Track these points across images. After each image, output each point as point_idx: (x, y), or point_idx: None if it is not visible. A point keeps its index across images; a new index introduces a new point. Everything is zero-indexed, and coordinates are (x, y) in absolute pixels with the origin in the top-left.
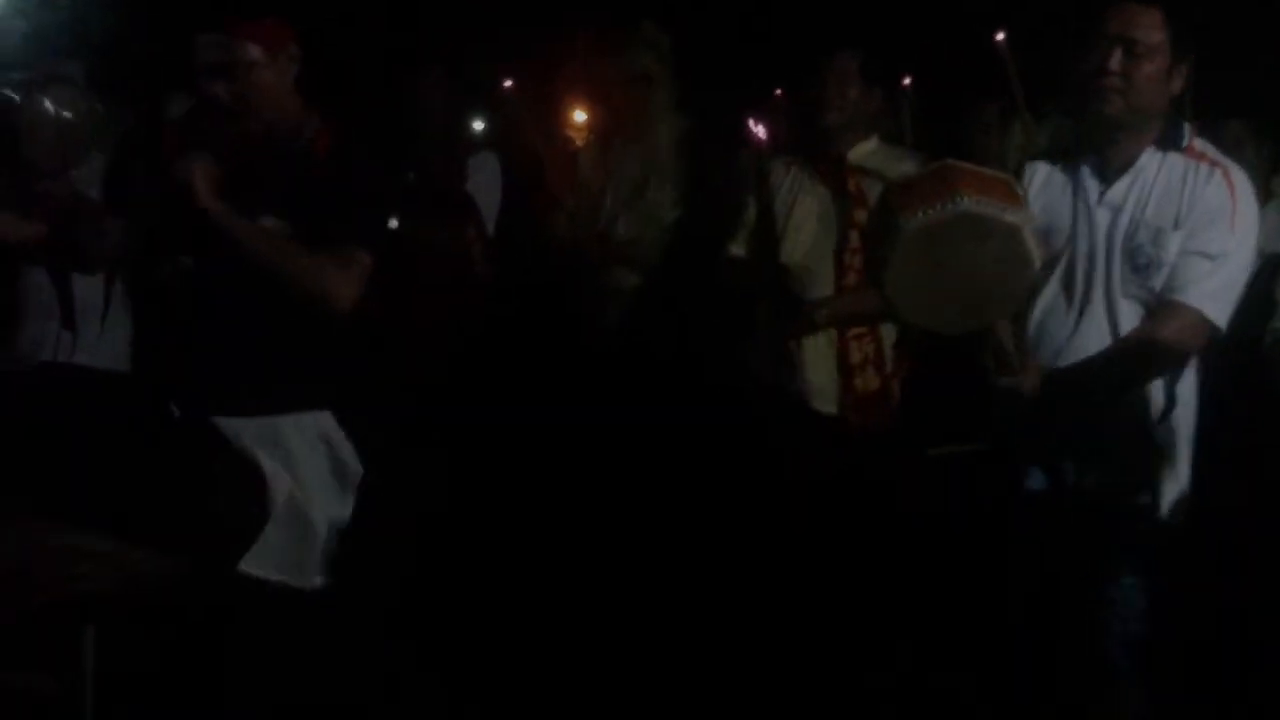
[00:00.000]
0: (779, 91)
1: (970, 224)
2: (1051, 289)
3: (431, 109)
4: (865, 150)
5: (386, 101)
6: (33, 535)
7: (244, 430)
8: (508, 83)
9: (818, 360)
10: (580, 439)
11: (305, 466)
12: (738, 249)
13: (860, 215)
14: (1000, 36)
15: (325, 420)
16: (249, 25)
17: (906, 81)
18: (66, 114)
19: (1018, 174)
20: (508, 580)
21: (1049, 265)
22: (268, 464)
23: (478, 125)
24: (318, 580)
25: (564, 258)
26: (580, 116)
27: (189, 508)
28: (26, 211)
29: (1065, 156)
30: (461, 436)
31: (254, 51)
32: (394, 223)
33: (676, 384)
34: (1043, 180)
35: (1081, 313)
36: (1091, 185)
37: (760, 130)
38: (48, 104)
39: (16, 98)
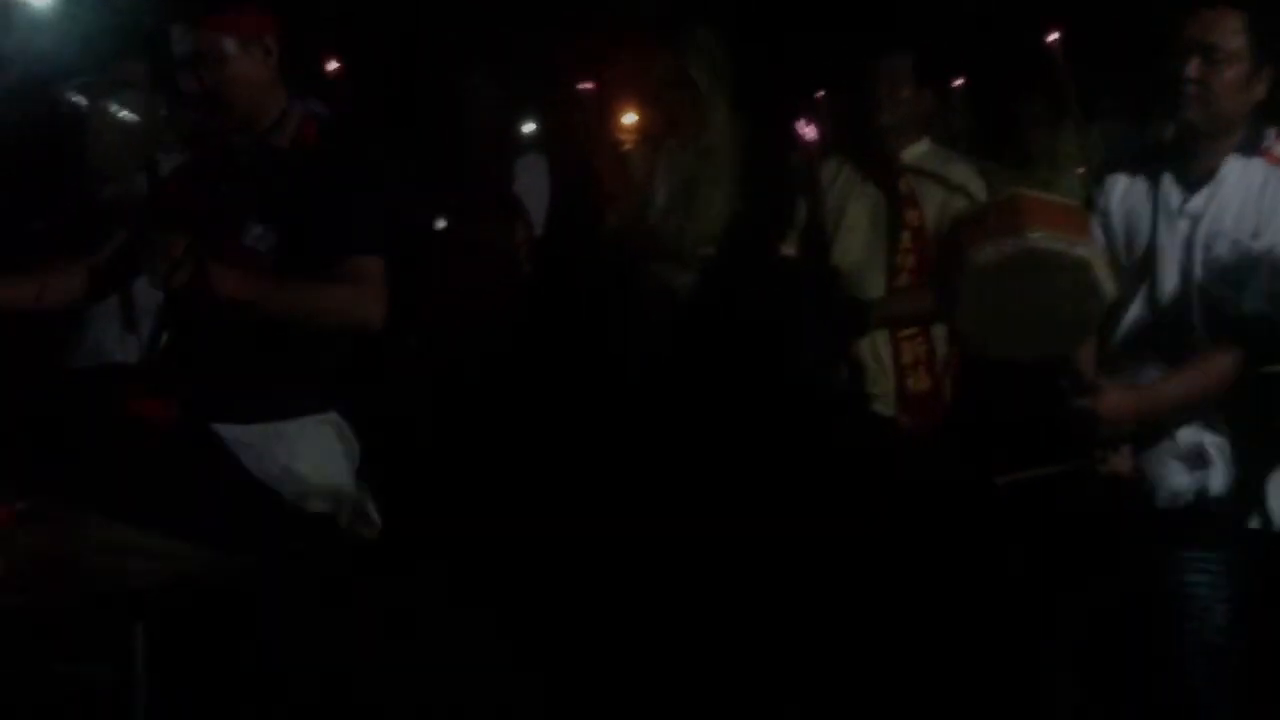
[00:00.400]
0: (820, 94)
1: (1039, 258)
2: (1137, 304)
3: (479, 109)
4: (917, 151)
5: (434, 101)
6: (83, 530)
7: (244, 437)
8: (584, 85)
9: (874, 361)
10: (627, 440)
11: (313, 468)
12: (789, 250)
13: (912, 216)
14: (1053, 38)
15: (332, 420)
16: (221, 15)
17: (958, 83)
18: (131, 116)
19: (1097, 177)
20: (548, 572)
21: (1136, 278)
22: (270, 470)
23: (528, 127)
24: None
25: (614, 258)
26: (630, 118)
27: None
28: (93, 215)
29: (1146, 165)
30: (506, 435)
31: (227, 42)
32: (441, 223)
33: (727, 383)
34: (1123, 191)
35: (1164, 327)
36: (1173, 195)
37: (810, 131)
38: (113, 107)
39: (83, 101)
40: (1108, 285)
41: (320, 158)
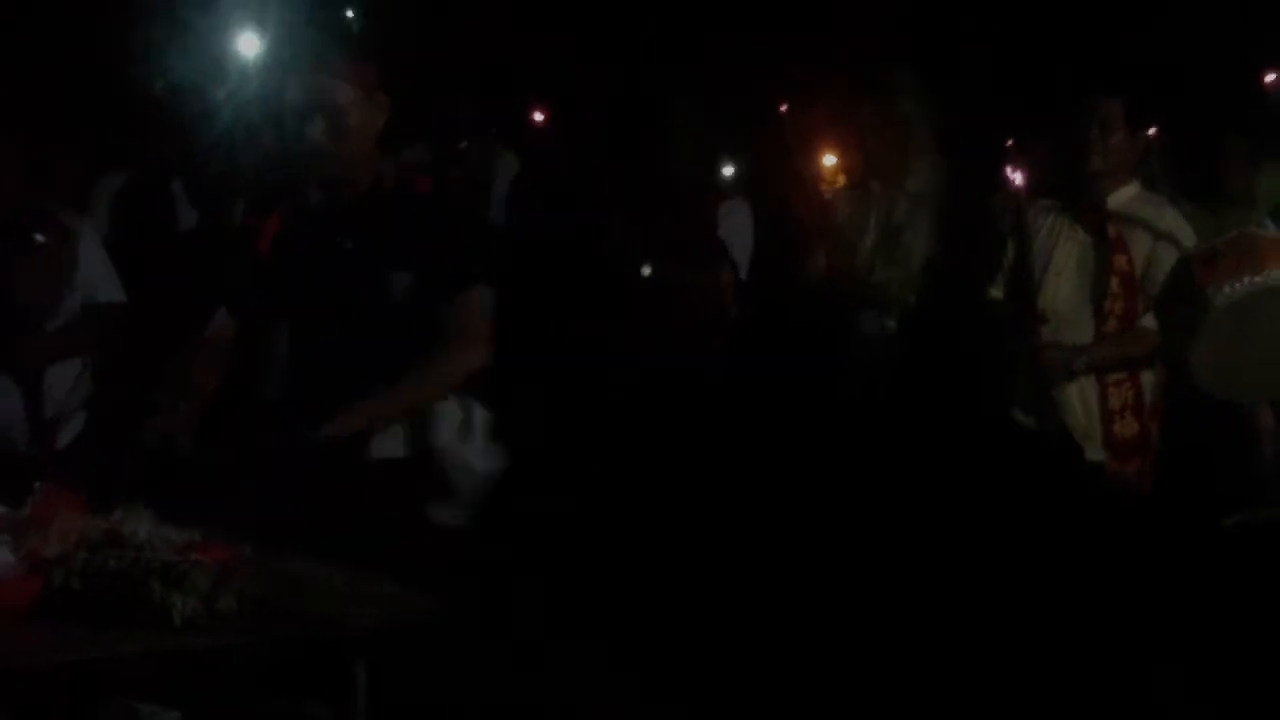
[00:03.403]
0: (1010, 142)
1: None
2: None
3: (683, 153)
4: (1126, 196)
5: (639, 147)
6: (306, 573)
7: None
8: (788, 129)
9: (1081, 406)
10: (832, 483)
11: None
12: (996, 293)
13: (1120, 262)
14: (1271, 78)
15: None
16: (345, 67)
17: (1152, 131)
18: None
19: (1274, 216)
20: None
21: None
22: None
23: (727, 171)
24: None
25: (819, 300)
26: (830, 160)
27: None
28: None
29: None
30: (706, 475)
31: (349, 93)
32: (647, 269)
33: (931, 427)
34: None
35: None
36: None
37: (1017, 176)
38: None
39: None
40: None
41: (440, 209)
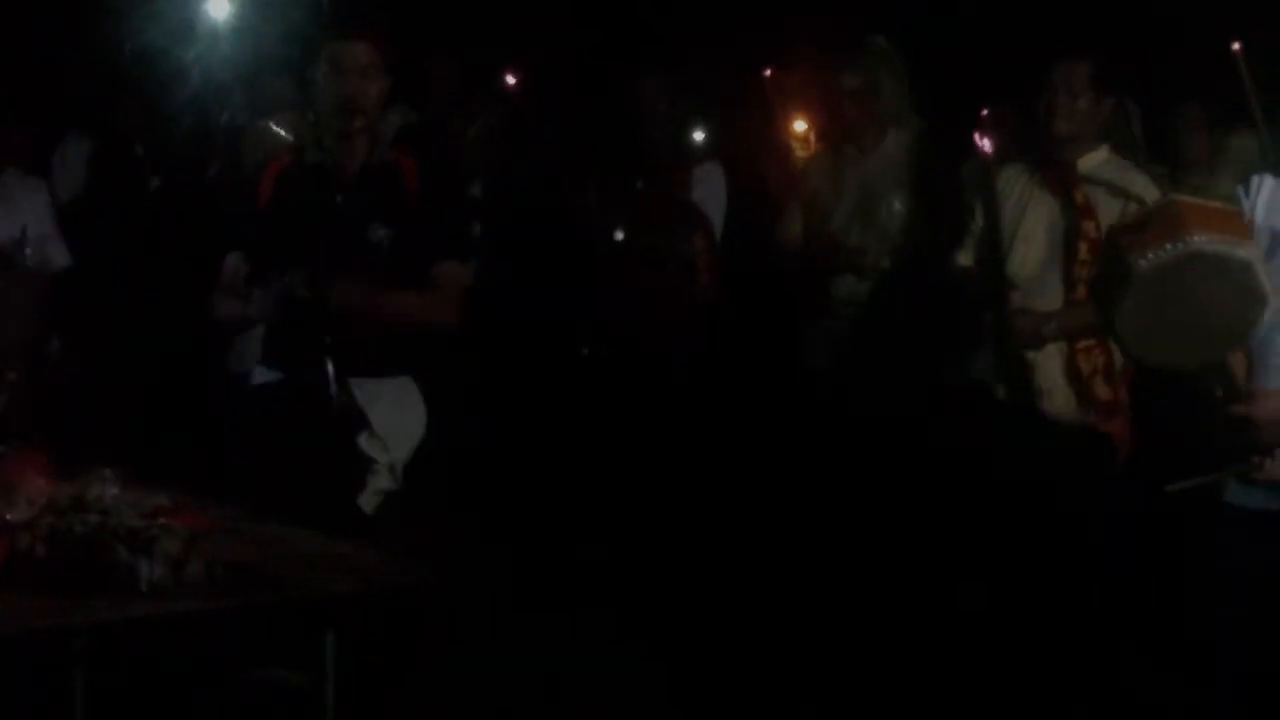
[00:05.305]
0: (985, 112)
1: (1202, 263)
2: None
3: (656, 118)
4: (1095, 160)
5: (611, 112)
6: (276, 539)
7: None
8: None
9: (1051, 369)
10: (800, 446)
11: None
12: (966, 259)
13: (1088, 227)
14: (1236, 46)
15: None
16: (371, 32)
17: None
18: (289, 135)
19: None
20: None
21: None
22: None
23: (698, 135)
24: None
25: (793, 265)
26: (800, 126)
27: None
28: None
29: None
30: (679, 435)
31: (373, 56)
32: (620, 234)
33: (902, 393)
34: (1270, 191)
35: None
36: None
37: (986, 143)
38: (272, 126)
39: (245, 122)
40: (1268, 288)
41: (425, 180)
